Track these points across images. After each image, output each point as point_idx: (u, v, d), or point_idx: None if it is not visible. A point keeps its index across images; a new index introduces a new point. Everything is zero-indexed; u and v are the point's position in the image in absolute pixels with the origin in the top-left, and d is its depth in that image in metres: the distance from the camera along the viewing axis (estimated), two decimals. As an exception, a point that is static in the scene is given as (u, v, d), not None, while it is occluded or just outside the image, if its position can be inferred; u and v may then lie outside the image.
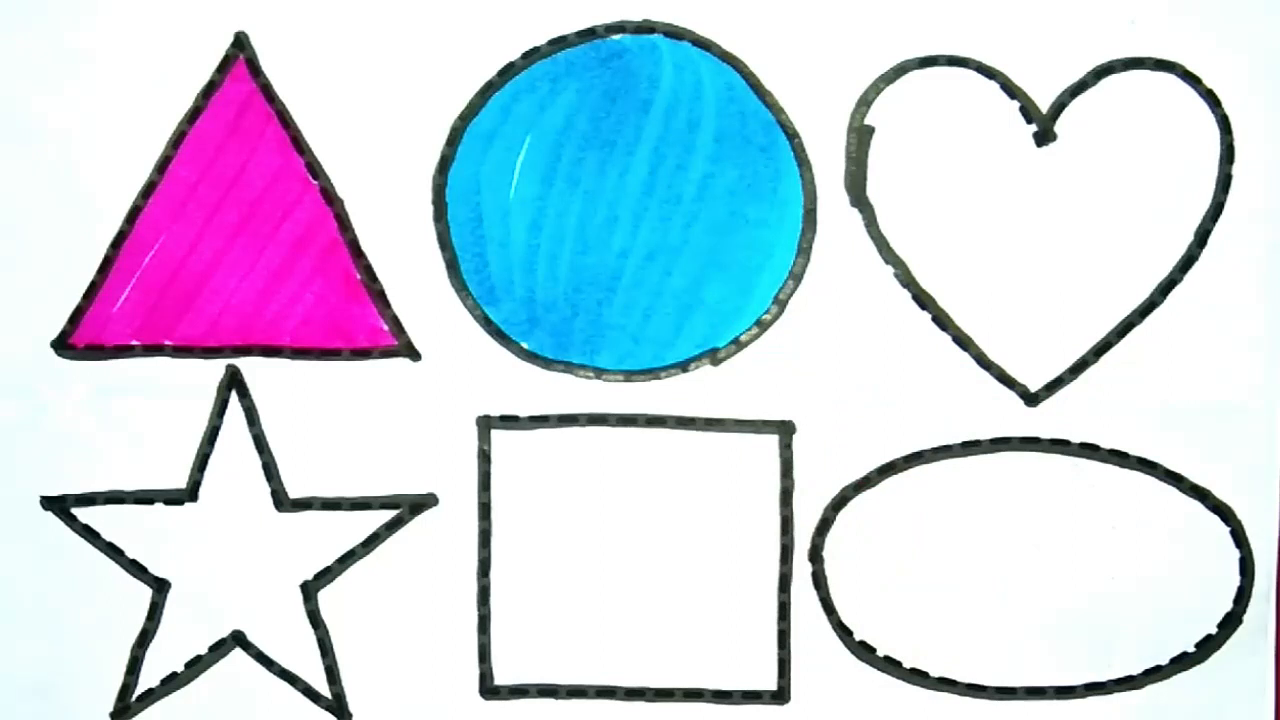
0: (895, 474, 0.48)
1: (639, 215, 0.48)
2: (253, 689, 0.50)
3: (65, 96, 0.48)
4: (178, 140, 0.48)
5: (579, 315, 0.48)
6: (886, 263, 0.48)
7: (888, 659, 0.49)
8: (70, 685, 0.50)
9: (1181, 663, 0.48)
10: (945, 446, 0.48)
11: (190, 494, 0.49)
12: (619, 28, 0.48)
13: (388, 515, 0.49)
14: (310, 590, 0.49)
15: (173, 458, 0.49)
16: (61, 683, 0.50)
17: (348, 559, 0.49)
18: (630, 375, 0.49)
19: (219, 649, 0.50)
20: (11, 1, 0.48)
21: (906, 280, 0.48)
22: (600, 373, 0.49)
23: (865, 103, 0.48)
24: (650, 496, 0.49)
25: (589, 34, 0.48)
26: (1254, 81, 0.47)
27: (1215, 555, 0.48)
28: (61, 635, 0.50)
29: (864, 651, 0.49)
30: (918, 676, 0.49)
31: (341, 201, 0.48)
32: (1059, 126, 0.48)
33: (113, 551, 0.49)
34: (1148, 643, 0.49)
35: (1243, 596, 0.48)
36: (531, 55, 0.48)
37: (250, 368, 0.49)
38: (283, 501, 0.49)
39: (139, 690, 0.50)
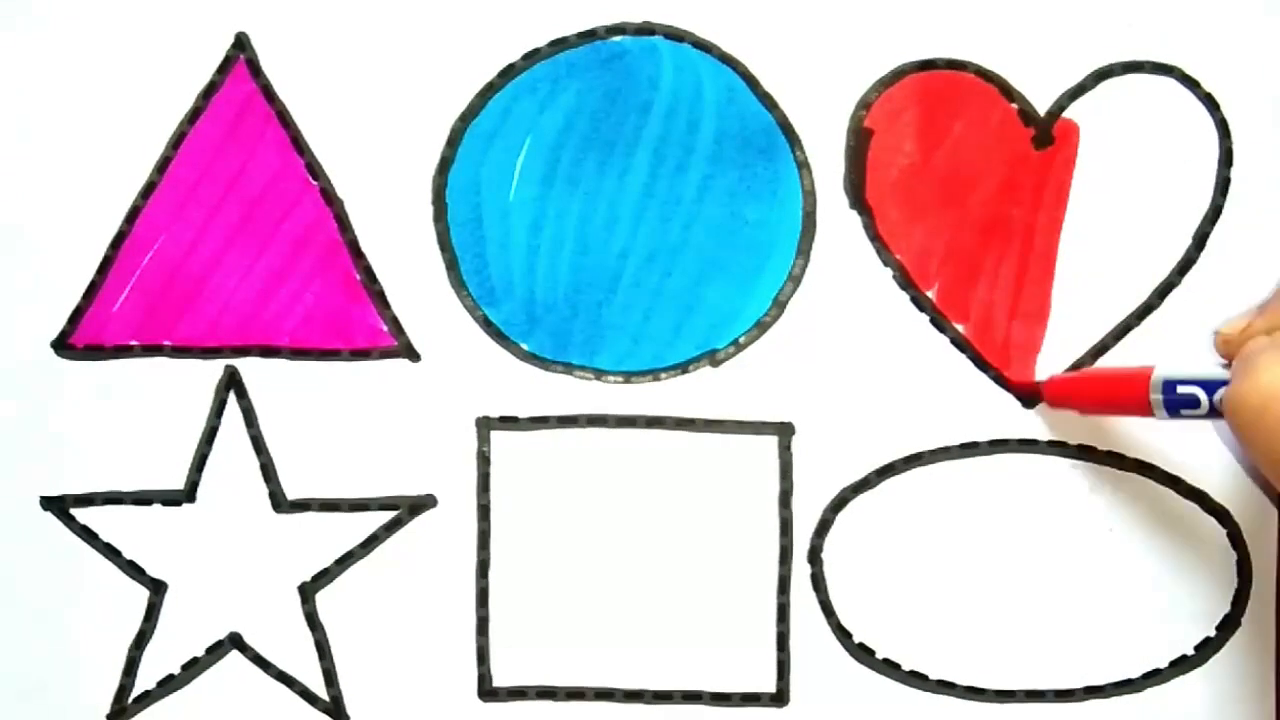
0: (894, 475, 0.48)
1: (639, 216, 0.48)
2: (250, 691, 0.49)
3: (65, 96, 0.48)
4: (178, 141, 0.48)
5: (579, 316, 0.48)
6: (885, 265, 0.48)
7: (887, 661, 0.49)
8: (67, 686, 0.49)
9: (1180, 665, 0.48)
10: (944, 448, 0.48)
11: (188, 495, 0.49)
12: (619, 29, 0.48)
13: (386, 517, 0.49)
14: (308, 592, 0.49)
15: (171, 458, 0.49)
16: (58, 684, 0.49)
17: (346, 560, 0.49)
18: (630, 376, 0.49)
19: (216, 651, 0.49)
20: (11, 1, 0.48)
21: (905, 282, 0.48)
22: (600, 374, 0.49)
23: (864, 105, 0.48)
24: (649, 498, 0.49)
25: (589, 35, 0.48)
26: (1253, 85, 0.47)
27: (1213, 557, 0.48)
28: (58, 636, 0.49)
29: (863, 654, 0.49)
30: (917, 679, 0.49)
31: (341, 202, 0.48)
32: (1057, 130, 0.48)
33: (110, 552, 0.49)
34: (1146, 645, 0.48)
35: (1241, 599, 0.48)
36: (532, 56, 0.48)
37: (249, 368, 0.49)
38: (281, 503, 0.49)
39: (136, 692, 0.49)
